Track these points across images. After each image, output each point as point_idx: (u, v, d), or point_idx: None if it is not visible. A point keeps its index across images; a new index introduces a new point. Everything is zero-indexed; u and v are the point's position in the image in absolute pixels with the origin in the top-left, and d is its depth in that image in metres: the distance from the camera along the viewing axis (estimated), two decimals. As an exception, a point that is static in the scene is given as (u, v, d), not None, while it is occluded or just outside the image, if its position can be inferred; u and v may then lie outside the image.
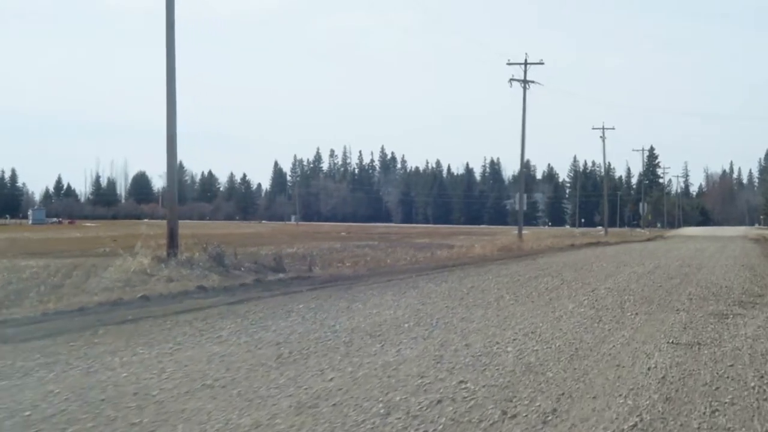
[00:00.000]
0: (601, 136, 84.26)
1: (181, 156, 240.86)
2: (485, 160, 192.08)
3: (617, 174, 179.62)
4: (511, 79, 56.22)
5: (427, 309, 13.30)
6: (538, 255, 32.33)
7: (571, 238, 57.55)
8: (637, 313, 13.12)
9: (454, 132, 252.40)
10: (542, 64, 56.96)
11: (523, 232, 79.84)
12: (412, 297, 15.26)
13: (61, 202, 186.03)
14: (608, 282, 19.24)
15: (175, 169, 24.35)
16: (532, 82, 56.24)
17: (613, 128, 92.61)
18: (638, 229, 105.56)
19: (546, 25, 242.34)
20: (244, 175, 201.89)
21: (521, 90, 55.58)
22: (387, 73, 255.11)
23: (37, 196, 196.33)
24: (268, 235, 69.67)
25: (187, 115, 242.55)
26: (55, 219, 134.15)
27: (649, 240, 64.42)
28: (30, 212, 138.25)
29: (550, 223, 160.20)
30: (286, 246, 42.41)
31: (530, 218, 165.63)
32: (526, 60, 56.24)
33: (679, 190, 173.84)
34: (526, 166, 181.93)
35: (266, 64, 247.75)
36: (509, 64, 56.60)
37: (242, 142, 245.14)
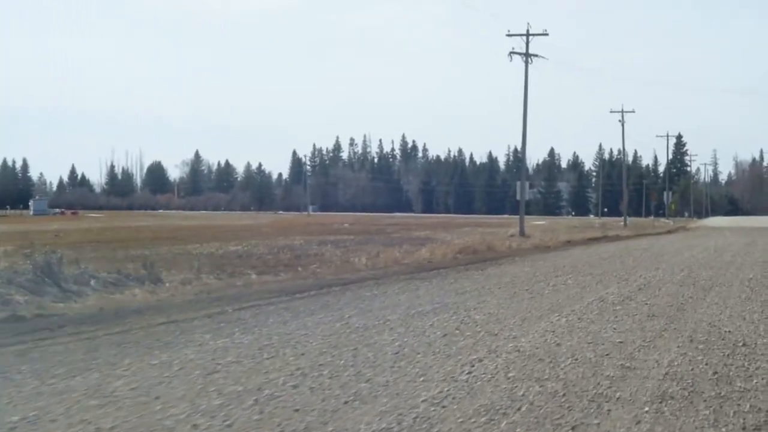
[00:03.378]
0: (620, 120, 78.13)
1: (200, 146, 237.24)
2: (509, 148, 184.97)
3: (644, 162, 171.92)
4: (511, 53, 49.58)
5: None
6: (503, 260, 25.18)
7: (578, 232, 50.84)
8: None
9: (477, 120, 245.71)
10: (546, 35, 50.32)
11: (539, 222, 74.33)
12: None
13: (75, 192, 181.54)
14: (533, 331, 10.93)
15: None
16: (535, 55, 49.62)
17: (633, 111, 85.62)
18: (662, 219, 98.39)
19: (575, 16, 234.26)
20: (260, 165, 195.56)
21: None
22: (409, 62, 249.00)
23: (55, 187, 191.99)
24: (258, 227, 63.90)
25: (210, 108, 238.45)
26: (57, 210, 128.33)
27: (668, 232, 57.46)
28: (31, 203, 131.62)
29: (573, 213, 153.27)
30: (235, 243, 36.93)
31: (554, 207, 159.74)
32: (528, 31, 49.46)
33: (707, 179, 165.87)
34: (550, 154, 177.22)
35: (289, 56, 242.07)
36: (509, 35, 49.87)
37: (262, 132, 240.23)
